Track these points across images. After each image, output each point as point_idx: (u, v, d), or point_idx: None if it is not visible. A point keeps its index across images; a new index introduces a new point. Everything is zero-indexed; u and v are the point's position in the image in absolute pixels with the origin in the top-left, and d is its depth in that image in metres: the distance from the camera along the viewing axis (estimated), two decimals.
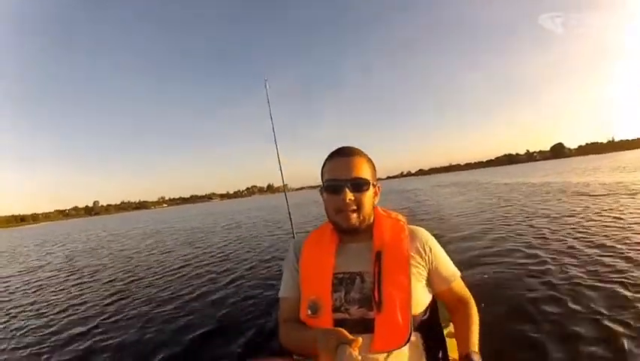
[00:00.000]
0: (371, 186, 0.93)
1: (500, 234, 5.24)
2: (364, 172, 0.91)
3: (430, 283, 0.93)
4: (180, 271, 5.38)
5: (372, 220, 0.97)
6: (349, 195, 0.88)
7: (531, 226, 5.53)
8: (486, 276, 3.32)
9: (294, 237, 2.72)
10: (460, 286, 0.98)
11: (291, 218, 2.93)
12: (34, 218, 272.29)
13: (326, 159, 0.96)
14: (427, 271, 0.92)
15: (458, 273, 0.98)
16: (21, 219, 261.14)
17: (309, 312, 0.87)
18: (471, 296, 0.99)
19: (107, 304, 3.92)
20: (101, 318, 3.45)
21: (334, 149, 0.97)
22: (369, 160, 0.97)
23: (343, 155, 0.93)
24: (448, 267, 0.96)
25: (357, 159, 0.92)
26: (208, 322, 3.02)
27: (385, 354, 0.81)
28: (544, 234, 4.86)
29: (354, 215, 0.90)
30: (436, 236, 0.99)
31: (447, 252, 0.99)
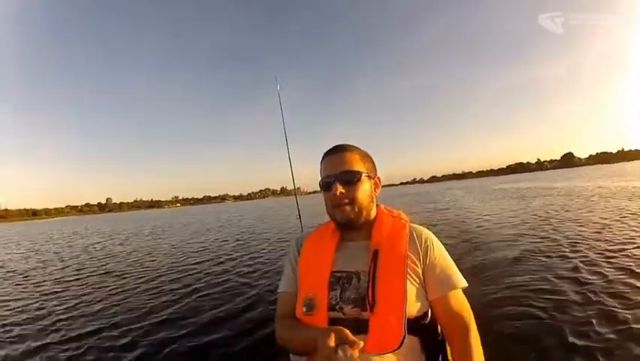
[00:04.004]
0: (364, 177, 0.93)
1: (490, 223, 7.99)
2: (354, 165, 0.92)
3: (425, 288, 0.88)
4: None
5: (372, 217, 0.97)
6: (340, 189, 0.90)
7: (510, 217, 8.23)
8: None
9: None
10: (458, 300, 0.87)
11: (300, 217, 3.03)
12: (47, 213, 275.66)
13: (321, 161, 0.98)
14: (422, 272, 0.88)
15: (460, 284, 0.88)
16: (33, 213, 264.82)
17: (305, 309, 0.87)
18: (472, 315, 0.87)
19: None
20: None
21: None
22: (363, 154, 0.97)
23: (333, 152, 0.96)
24: (445, 272, 0.89)
25: (347, 154, 0.94)
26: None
27: (381, 356, 0.79)
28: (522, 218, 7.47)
29: (348, 208, 0.91)
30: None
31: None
